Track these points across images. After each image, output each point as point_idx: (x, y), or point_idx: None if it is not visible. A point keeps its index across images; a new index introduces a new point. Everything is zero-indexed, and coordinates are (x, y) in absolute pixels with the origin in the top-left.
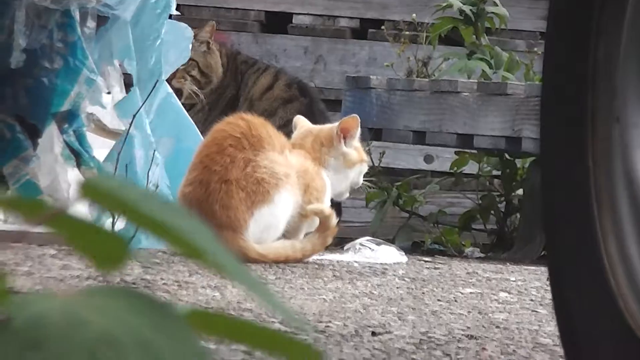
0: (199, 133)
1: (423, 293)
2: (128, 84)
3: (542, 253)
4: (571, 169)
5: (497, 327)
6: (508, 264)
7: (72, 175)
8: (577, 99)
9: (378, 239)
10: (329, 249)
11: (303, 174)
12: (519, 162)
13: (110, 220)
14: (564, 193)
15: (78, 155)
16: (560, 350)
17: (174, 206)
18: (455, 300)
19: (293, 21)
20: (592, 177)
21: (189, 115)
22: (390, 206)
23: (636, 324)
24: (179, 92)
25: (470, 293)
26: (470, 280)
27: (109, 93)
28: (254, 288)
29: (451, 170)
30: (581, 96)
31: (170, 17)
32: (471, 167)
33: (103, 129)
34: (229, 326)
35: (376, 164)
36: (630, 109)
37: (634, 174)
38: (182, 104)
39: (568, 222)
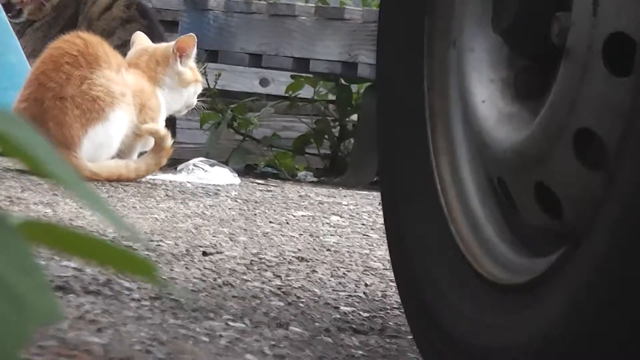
0: (21, 47)
1: (255, 215)
2: None
3: (375, 179)
4: (406, 93)
5: (328, 250)
6: (341, 188)
7: None
8: (413, 23)
9: (211, 160)
10: (162, 169)
11: (139, 93)
12: (354, 88)
13: None
14: (398, 117)
15: None
16: (390, 275)
17: (9, 115)
18: (287, 223)
19: None
20: (427, 101)
21: (29, 32)
22: (225, 128)
23: (468, 249)
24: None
25: (302, 216)
26: (302, 204)
27: None
28: (90, 201)
29: (286, 94)
30: (418, 21)
31: None
32: (306, 92)
33: None
34: (64, 238)
35: (212, 86)
36: (466, 33)
37: (468, 97)
38: (26, 19)
39: (402, 146)
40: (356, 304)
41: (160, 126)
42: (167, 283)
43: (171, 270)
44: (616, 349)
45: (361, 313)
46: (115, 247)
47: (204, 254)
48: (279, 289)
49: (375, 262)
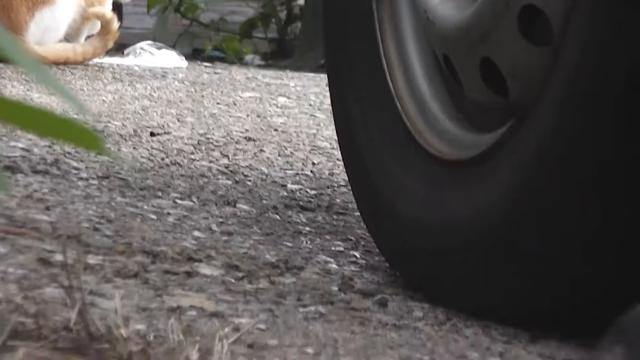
0: None
1: (202, 96)
2: None
3: (322, 62)
4: None
5: (276, 130)
6: (288, 70)
7: None
8: None
9: (159, 44)
10: (109, 53)
11: None
12: None
13: None
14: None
15: None
16: (337, 153)
17: None
18: (234, 104)
19: None
20: None
21: None
22: (172, 13)
23: (414, 125)
24: None
25: (250, 97)
26: (249, 85)
27: None
28: (42, 78)
29: None
30: None
31: None
32: None
33: None
34: (13, 110)
35: None
36: None
37: None
38: None
39: (348, 25)
40: (303, 182)
41: (106, 9)
42: (113, 153)
43: (119, 150)
44: (559, 221)
45: (308, 191)
46: (62, 118)
47: (152, 134)
48: (226, 167)
49: (322, 141)
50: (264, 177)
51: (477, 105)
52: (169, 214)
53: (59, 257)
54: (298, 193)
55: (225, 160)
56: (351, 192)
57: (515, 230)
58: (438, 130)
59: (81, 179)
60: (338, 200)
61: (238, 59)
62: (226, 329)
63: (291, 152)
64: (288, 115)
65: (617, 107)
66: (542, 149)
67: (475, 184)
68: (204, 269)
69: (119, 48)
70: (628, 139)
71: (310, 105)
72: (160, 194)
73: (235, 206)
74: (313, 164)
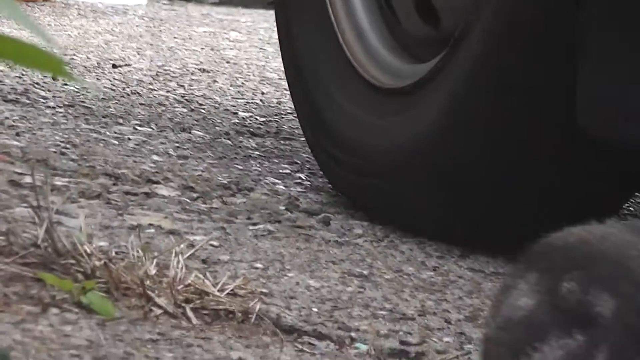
0: None
1: (160, 31)
2: None
3: None
4: None
5: (228, 62)
6: (240, 7)
7: None
8: None
9: None
10: None
11: None
12: None
13: None
14: None
15: None
16: (284, 84)
17: None
18: (190, 38)
19: None
20: None
21: None
22: None
23: (355, 57)
24: None
25: (204, 32)
26: (204, 21)
27: None
28: (13, 14)
29: None
30: None
31: None
32: None
33: None
34: None
35: None
36: None
37: None
38: None
39: None
40: (253, 110)
41: None
42: (77, 78)
43: (83, 80)
44: (488, 144)
45: (258, 118)
46: (32, 46)
47: (114, 66)
48: (182, 97)
49: (270, 72)
50: (217, 105)
51: (413, 37)
52: (129, 139)
53: (28, 180)
54: (248, 120)
55: (181, 90)
56: (297, 119)
57: (447, 152)
58: (377, 61)
59: (49, 107)
60: (285, 127)
61: None
62: (182, 245)
63: (242, 83)
64: (239, 48)
65: (538, 34)
66: (472, 76)
67: (411, 110)
68: (162, 190)
69: None
70: (551, 63)
71: (260, 39)
72: (121, 121)
73: (190, 132)
74: (262, 93)
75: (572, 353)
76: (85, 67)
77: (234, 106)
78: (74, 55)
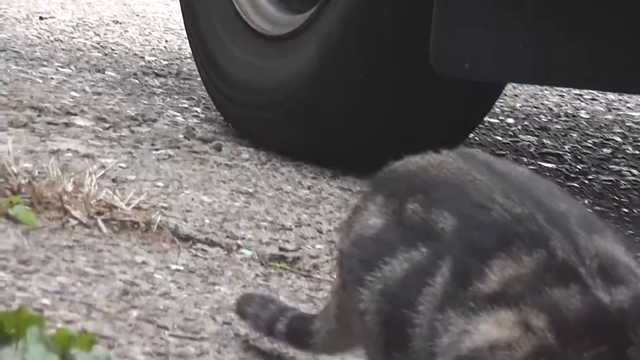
0: None
1: None
2: None
3: None
4: None
5: (137, 15)
6: None
7: None
8: None
9: None
10: None
11: None
12: None
13: None
14: None
15: None
16: (184, 33)
17: None
18: None
19: None
20: None
21: None
22: None
23: (242, 9)
24: None
25: None
26: None
27: None
28: None
29: None
30: None
31: None
32: None
33: None
34: None
35: None
36: None
37: None
38: None
39: None
40: (158, 54)
41: None
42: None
43: (15, 30)
44: (348, 80)
45: (161, 61)
46: None
47: (41, 18)
48: (98, 44)
49: (174, 24)
50: (127, 51)
51: None
52: (52, 78)
53: None
54: (153, 63)
55: (97, 38)
56: (194, 62)
57: (317, 89)
58: (262, 13)
59: None
60: (185, 69)
61: None
62: (95, 167)
63: (149, 32)
64: (147, 3)
65: None
66: (343, 25)
67: (290, 54)
68: (79, 121)
69: None
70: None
71: None
72: (45, 63)
73: (104, 73)
74: (166, 41)
75: (417, 263)
76: (16, 19)
77: (141, 51)
78: (7, 9)
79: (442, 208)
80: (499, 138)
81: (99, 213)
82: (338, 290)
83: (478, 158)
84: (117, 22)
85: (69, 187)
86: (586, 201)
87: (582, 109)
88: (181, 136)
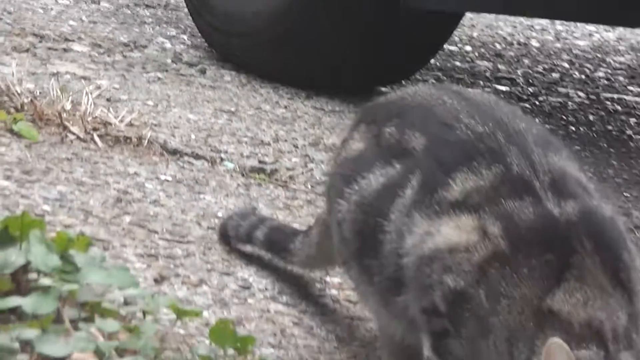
0: None
1: None
2: None
3: None
4: None
5: None
6: None
7: None
8: None
9: None
10: None
11: None
12: None
13: None
14: None
15: None
16: None
17: None
18: None
19: None
20: None
21: None
22: None
23: None
24: None
25: None
26: None
27: None
28: None
29: None
30: None
31: None
32: None
33: None
34: None
35: None
36: None
37: None
38: None
39: None
40: None
41: None
42: None
43: None
44: (322, 11)
45: None
46: None
47: None
48: None
49: None
50: None
51: None
52: (52, 9)
53: None
54: None
55: None
56: None
57: (296, 18)
58: None
59: None
60: (172, 1)
61: None
62: (91, 87)
63: None
64: None
65: None
66: None
67: None
68: (76, 47)
69: None
70: None
71: None
72: None
73: (99, 4)
74: None
75: (391, 178)
76: None
77: None
78: None
79: (414, 129)
80: (458, 64)
81: (94, 129)
82: (324, 217)
83: (450, 87)
84: None
85: (68, 106)
86: (537, 120)
87: (533, 38)
88: (169, 61)
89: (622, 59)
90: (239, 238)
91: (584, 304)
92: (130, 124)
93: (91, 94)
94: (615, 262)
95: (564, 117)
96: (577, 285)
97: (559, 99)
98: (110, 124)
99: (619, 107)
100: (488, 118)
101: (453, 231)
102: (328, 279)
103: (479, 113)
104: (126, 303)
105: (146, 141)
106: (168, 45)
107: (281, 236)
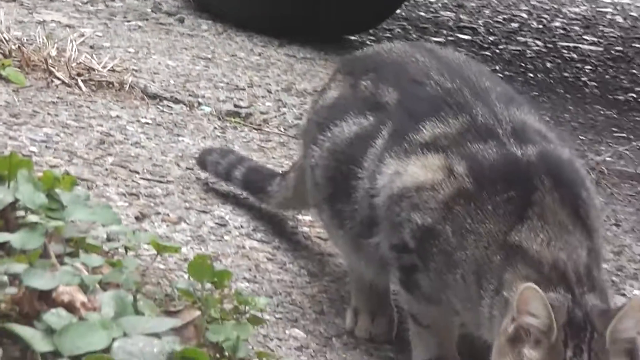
0: None
1: None
2: None
3: None
4: None
5: None
6: None
7: None
8: None
9: None
10: None
11: None
12: None
13: None
14: None
15: None
16: None
17: None
18: None
19: None
20: None
21: None
22: None
23: None
24: None
25: None
26: None
27: None
28: None
29: None
30: None
31: None
32: None
33: None
34: None
35: None
36: None
37: None
38: None
39: None
40: None
41: None
42: None
43: None
44: None
45: None
46: None
47: None
48: None
49: None
50: None
51: None
52: None
53: None
54: None
55: None
56: None
57: None
58: None
59: None
60: None
61: None
62: (75, 35)
63: None
64: None
65: None
66: None
67: None
68: None
69: None
70: None
71: None
72: None
73: None
74: None
75: (364, 128)
76: None
77: None
78: None
79: (388, 84)
80: (422, 14)
81: (79, 74)
82: (300, 162)
83: (424, 46)
84: None
85: (53, 52)
86: (497, 67)
87: None
88: (149, 10)
89: (577, 10)
90: (218, 175)
91: (548, 243)
92: (113, 70)
93: (75, 41)
94: (574, 199)
95: (523, 64)
96: (540, 223)
97: (518, 48)
98: (93, 69)
99: (574, 55)
100: (456, 76)
101: (420, 170)
102: (300, 217)
103: (449, 71)
104: (109, 239)
105: (127, 86)
106: None
107: (259, 177)
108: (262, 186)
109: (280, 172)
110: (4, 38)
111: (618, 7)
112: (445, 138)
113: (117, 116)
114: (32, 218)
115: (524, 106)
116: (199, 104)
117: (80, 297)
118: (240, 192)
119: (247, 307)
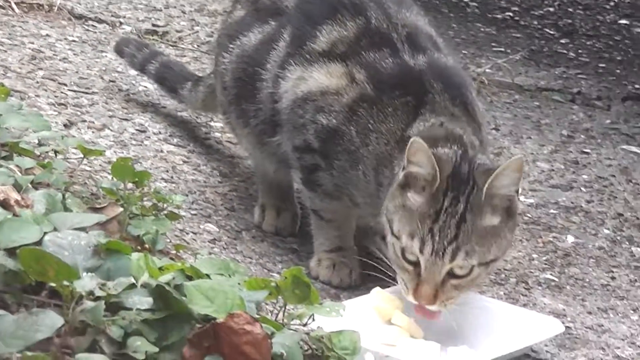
0: None
1: None
2: None
3: None
4: None
5: None
6: None
7: None
8: None
9: None
10: None
11: None
12: None
13: None
14: None
15: None
16: None
17: None
18: None
19: None
20: None
21: None
22: None
23: None
24: None
25: None
26: None
27: None
28: None
29: None
30: None
31: None
32: None
33: None
34: None
35: None
36: None
37: None
38: None
39: None
40: None
41: None
42: None
43: None
44: None
45: None
46: None
47: None
48: None
49: None
50: None
51: None
52: None
53: None
54: None
55: None
56: None
57: None
58: None
59: None
60: None
61: None
62: None
63: None
64: None
65: None
66: None
67: None
68: None
69: None
70: None
71: None
72: None
73: None
74: None
75: (268, 34)
76: None
77: None
78: None
79: None
80: None
81: None
82: (209, 81)
83: None
84: None
85: None
86: None
87: None
88: None
89: None
90: (133, 66)
91: (441, 126)
92: None
93: None
94: (463, 98)
95: None
96: (433, 116)
97: None
98: None
99: None
100: None
101: (324, 77)
102: (212, 123)
103: None
104: (40, 144)
105: (56, 8)
106: None
107: (172, 75)
108: (174, 86)
109: (194, 77)
110: None
111: None
112: (343, 43)
113: (47, 35)
114: None
115: (413, 8)
116: (121, 23)
117: (14, 196)
118: (159, 102)
119: (165, 204)
